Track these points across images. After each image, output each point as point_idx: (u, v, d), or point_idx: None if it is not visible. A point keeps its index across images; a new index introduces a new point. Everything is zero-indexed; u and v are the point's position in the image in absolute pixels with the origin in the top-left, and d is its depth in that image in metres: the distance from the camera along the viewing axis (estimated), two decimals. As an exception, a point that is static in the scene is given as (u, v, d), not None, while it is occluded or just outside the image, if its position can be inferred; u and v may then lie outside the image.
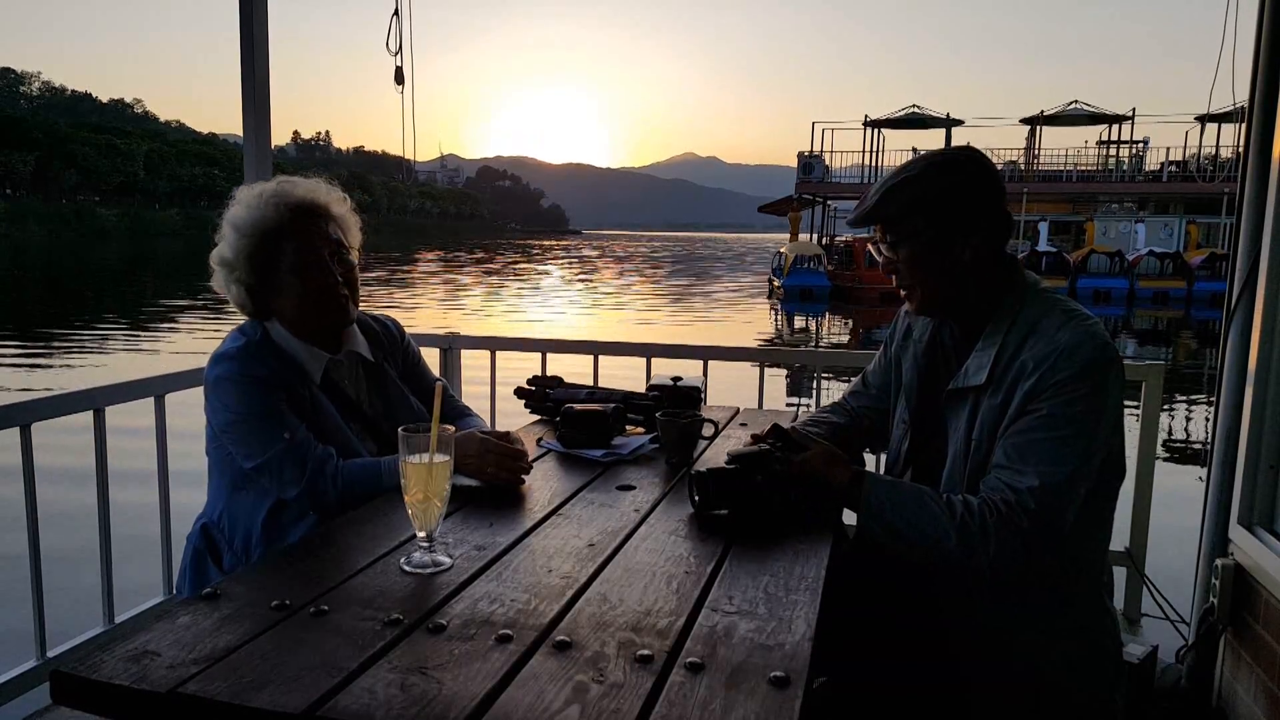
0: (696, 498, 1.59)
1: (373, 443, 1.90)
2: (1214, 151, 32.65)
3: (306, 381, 1.82)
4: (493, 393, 3.34)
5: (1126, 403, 1.56)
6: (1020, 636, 1.53)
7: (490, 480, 1.72)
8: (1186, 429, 9.57)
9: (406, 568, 1.33)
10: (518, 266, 49.87)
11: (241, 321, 1.90)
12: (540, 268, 49.16)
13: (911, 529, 1.50)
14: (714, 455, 2.03)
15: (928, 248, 1.57)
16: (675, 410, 2.07)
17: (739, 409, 2.60)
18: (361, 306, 1.99)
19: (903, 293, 1.67)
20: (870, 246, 1.67)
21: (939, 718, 1.58)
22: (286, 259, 1.81)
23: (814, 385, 3.40)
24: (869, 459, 2.09)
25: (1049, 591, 1.52)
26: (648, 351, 3.21)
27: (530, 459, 1.84)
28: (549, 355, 3.25)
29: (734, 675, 1.03)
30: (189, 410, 2.17)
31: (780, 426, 1.71)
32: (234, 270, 1.82)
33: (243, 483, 1.79)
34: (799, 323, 23.43)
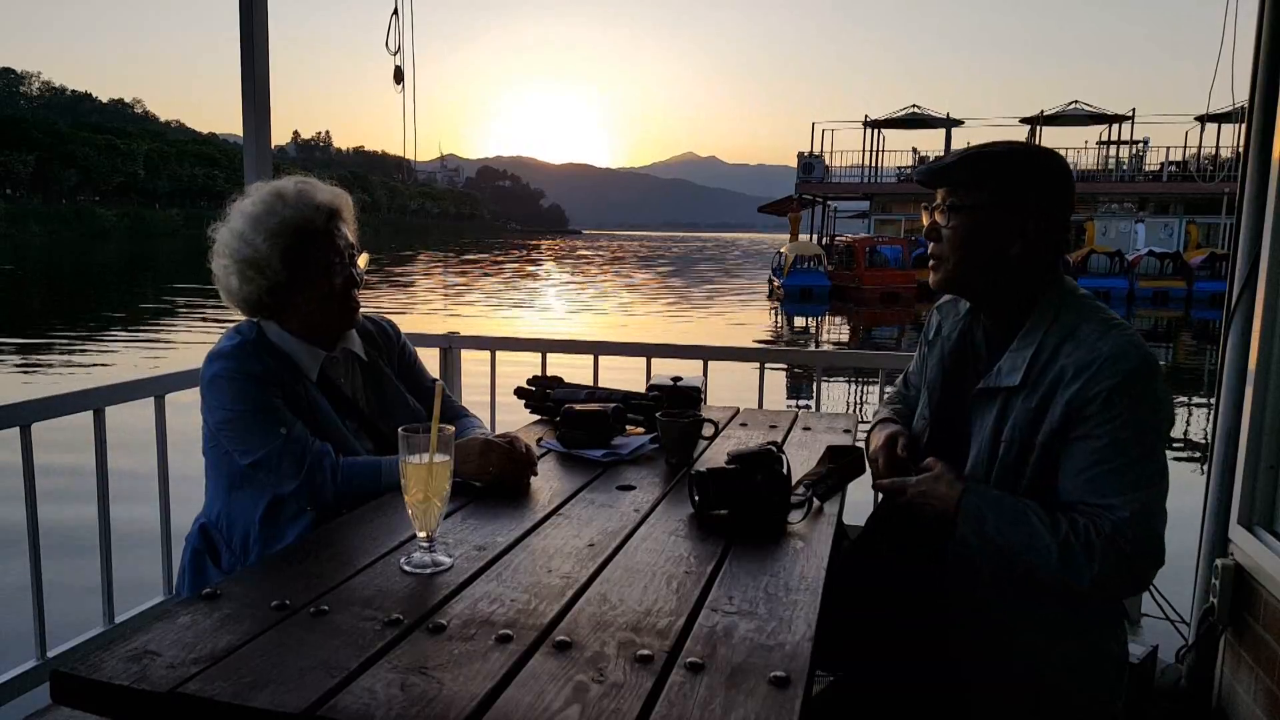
0: (696, 498, 1.59)
1: (369, 441, 1.90)
2: (1214, 151, 32.65)
3: (302, 379, 1.82)
4: (493, 393, 3.34)
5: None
6: (1022, 637, 1.53)
7: (493, 480, 1.72)
8: (1186, 429, 9.57)
9: (406, 568, 1.33)
10: (519, 267, 49.90)
11: (237, 321, 1.90)
12: (541, 269, 49.18)
13: (1009, 542, 1.48)
14: (714, 455, 2.03)
15: (981, 226, 1.55)
16: (675, 410, 2.07)
17: (739, 409, 2.60)
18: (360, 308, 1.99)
19: (930, 262, 1.64)
20: (924, 209, 1.64)
21: (939, 718, 1.58)
22: (319, 258, 1.82)
23: (814, 385, 3.40)
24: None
25: (1059, 594, 1.52)
26: (648, 351, 3.21)
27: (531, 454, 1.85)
28: (549, 355, 3.25)
29: (734, 675, 1.03)
30: (189, 410, 2.17)
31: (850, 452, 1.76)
32: (262, 270, 1.79)
33: (240, 482, 1.79)
34: (799, 323, 23.44)
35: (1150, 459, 1.44)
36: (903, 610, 1.62)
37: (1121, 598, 1.52)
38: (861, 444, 2.00)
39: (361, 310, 1.98)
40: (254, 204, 1.82)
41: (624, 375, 2.78)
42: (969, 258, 1.57)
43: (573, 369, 2.74)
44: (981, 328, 1.68)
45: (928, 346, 1.82)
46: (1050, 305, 1.54)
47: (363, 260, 1.92)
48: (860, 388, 10.95)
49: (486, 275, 40.71)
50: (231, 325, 1.89)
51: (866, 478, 1.83)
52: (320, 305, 1.84)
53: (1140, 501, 1.42)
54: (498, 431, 2.14)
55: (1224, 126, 31.12)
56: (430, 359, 3.13)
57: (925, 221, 1.63)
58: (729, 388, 3.17)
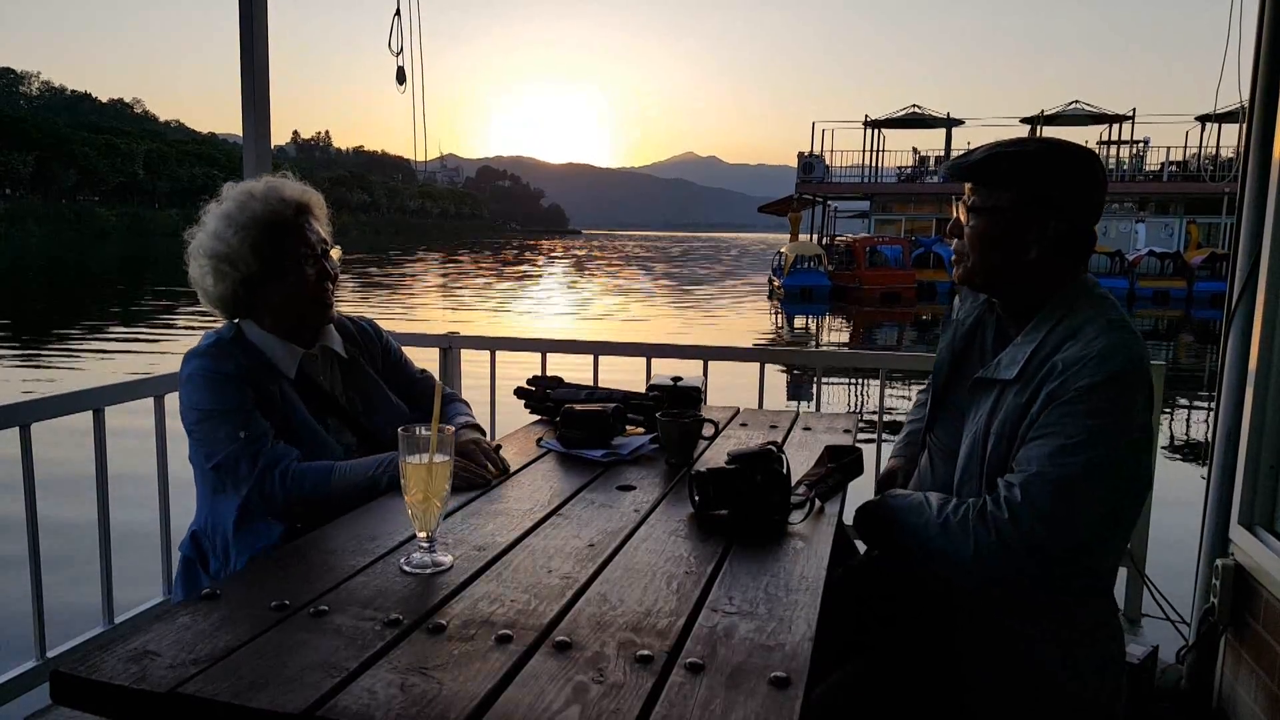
0: (696, 498, 1.59)
1: (352, 436, 1.92)
2: (1214, 151, 32.66)
3: (278, 378, 1.83)
4: (493, 393, 3.34)
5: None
6: (1027, 639, 1.52)
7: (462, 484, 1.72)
8: (1187, 429, 9.58)
9: (406, 568, 1.33)
10: (520, 267, 49.89)
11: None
12: (543, 270, 49.17)
13: (909, 534, 1.53)
14: (714, 455, 2.03)
15: (1003, 228, 1.54)
16: (675, 410, 2.07)
17: (739, 409, 2.60)
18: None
19: (954, 256, 1.64)
20: (953, 200, 1.64)
21: (937, 717, 1.58)
22: (290, 252, 1.84)
23: (814, 385, 3.40)
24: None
25: (1059, 594, 1.52)
26: (648, 351, 3.21)
27: (507, 465, 1.87)
28: (549, 355, 3.25)
29: (734, 675, 1.02)
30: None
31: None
32: (234, 263, 1.82)
33: (219, 486, 1.79)
34: (799, 323, 23.44)
35: (1087, 450, 1.39)
36: (906, 609, 1.62)
37: (1022, 588, 1.47)
38: (861, 445, 2.01)
39: (342, 312, 2.00)
40: (225, 203, 1.86)
41: (624, 375, 2.77)
42: (986, 258, 1.57)
43: (573, 369, 2.74)
44: (995, 318, 1.68)
45: (945, 327, 1.83)
46: (1061, 304, 1.53)
47: (335, 254, 1.94)
48: (860, 388, 10.96)
49: (490, 275, 40.71)
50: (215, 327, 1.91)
51: (866, 479, 1.84)
52: (293, 297, 1.86)
53: (1050, 476, 1.38)
54: (499, 432, 2.15)
55: (1224, 126, 31.12)
56: (430, 359, 3.12)
57: (953, 215, 1.63)
58: (729, 388, 3.17)
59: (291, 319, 1.88)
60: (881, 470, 1.90)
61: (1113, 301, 1.55)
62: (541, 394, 2.35)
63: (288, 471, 1.73)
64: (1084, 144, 1.67)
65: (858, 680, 1.62)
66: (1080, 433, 1.40)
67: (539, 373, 2.75)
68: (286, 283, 1.85)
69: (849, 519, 1.73)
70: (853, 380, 11.26)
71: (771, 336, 20.37)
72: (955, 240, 1.62)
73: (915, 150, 36.93)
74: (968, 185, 1.58)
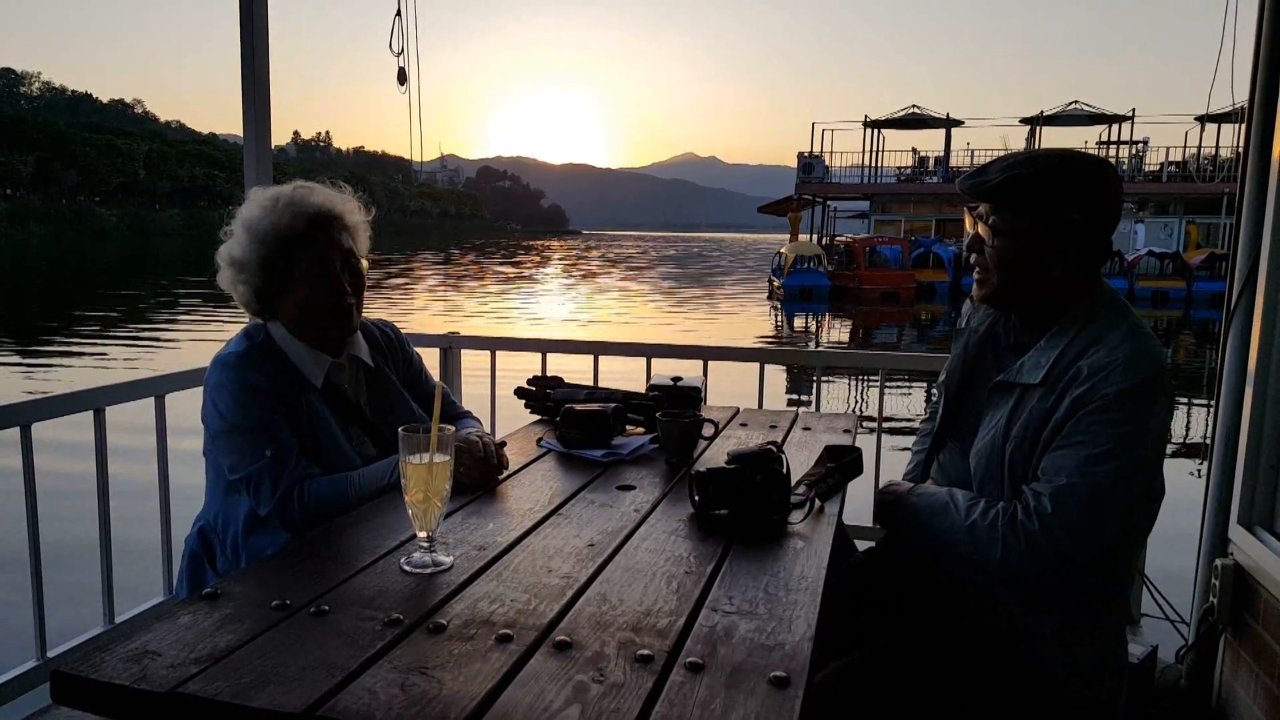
0: (696, 498, 1.59)
1: (373, 447, 1.89)
2: (1214, 151, 32.65)
3: (305, 388, 1.80)
4: (493, 393, 3.34)
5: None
6: (1031, 637, 1.52)
7: (464, 480, 1.71)
8: (1187, 429, 9.58)
9: (406, 568, 1.33)
10: (520, 268, 49.87)
11: (247, 321, 1.89)
12: (543, 270, 49.16)
13: (932, 533, 1.54)
14: (714, 455, 2.03)
15: (1024, 250, 1.54)
16: (675, 410, 2.07)
17: (739, 409, 2.60)
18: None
19: (975, 275, 1.64)
20: (967, 214, 1.63)
21: (937, 715, 1.58)
22: (299, 267, 1.80)
23: (814, 385, 3.40)
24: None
25: (1087, 600, 1.52)
26: (648, 351, 3.21)
27: (508, 464, 1.86)
28: (549, 355, 3.25)
29: (734, 675, 1.03)
30: (189, 411, 2.16)
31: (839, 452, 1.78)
32: (244, 271, 1.81)
33: (234, 488, 1.78)
34: (799, 323, 23.44)
35: (1114, 460, 1.40)
36: (912, 600, 1.63)
37: (1048, 593, 1.48)
38: (861, 444, 2.01)
39: (363, 315, 1.97)
40: (247, 208, 1.84)
41: (624, 375, 2.78)
42: (1010, 278, 1.57)
43: (573, 369, 2.74)
44: (1011, 324, 1.68)
45: (956, 334, 1.83)
46: (1084, 310, 1.54)
47: (364, 265, 1.91)
48: (860, 387, 10.96)
49: (490, 276, 40.69)
50: (240, 326, 1.88)
51: (866, 478, 1.84)
52: (306, 313, 1.82)
53: (1078, 487, 1.40)
54: (499, 432, 2.14)
55: (1224, 126, 31.11)
56: (430, 359, 3.12)
57: (968, 227, 1.63)
58: (729, 388, 3.17)
59: (314, 329, 1.84)
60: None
61: (1129, 307, 1.56)
62: (541, 394, 2.35)
63: (305, 491, 1.71)
64: (1084, 145, 1.67)
65: (858, 674, 1.62)
66: (1108, 441, 1.41)
67: (539, 373, 2.75)
68: (295, 296, 1.81)
69: (853, 517, 1.74)
70: (853, 380, 11.27)
71: (771, 336, 20.37)
72: (974, 256, 1.62)
73: (915, 150, 36.95)
74: (985, 205, 1.58)
